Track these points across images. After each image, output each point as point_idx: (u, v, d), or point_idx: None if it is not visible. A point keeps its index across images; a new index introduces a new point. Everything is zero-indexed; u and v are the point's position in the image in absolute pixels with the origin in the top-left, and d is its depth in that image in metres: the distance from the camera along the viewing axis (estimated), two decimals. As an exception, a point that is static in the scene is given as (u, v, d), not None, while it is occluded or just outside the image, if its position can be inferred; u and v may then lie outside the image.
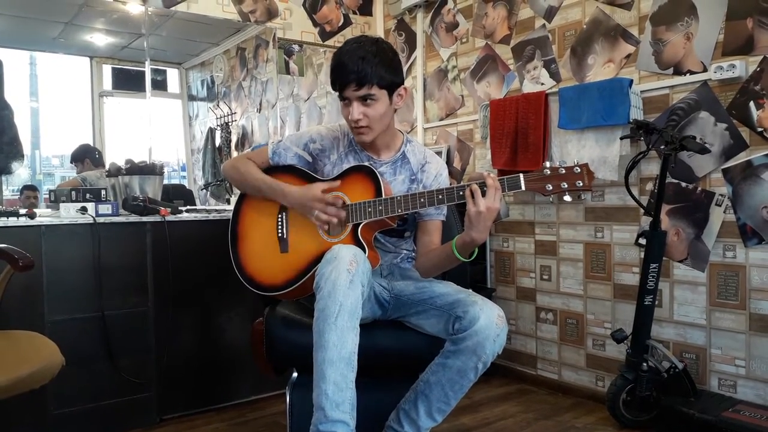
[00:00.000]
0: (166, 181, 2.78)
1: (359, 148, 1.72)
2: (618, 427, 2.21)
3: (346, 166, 1.67)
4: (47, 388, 1.52)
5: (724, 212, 2.10)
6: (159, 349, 2.30)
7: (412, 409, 1.55)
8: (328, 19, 3.36)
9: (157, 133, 2.97)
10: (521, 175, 1.43)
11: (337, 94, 1.61)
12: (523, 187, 1.43)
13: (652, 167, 2.30)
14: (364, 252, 1.50)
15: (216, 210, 2.70)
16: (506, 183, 1.44)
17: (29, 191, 2.88)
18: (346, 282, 1.37)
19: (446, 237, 1.71)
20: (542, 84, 2.68)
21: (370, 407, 1.49)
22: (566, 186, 1.42)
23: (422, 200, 1.51)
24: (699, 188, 2.17)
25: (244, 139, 3.41)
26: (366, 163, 1.65)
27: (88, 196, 2.25)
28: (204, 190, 3.35)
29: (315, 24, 3.32)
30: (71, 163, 3.00)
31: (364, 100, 1.56)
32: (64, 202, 2.20)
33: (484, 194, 1.42)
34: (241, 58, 3.39)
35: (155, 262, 2.29)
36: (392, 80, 1.58)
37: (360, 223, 1.57)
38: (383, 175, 1.66)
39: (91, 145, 3.04)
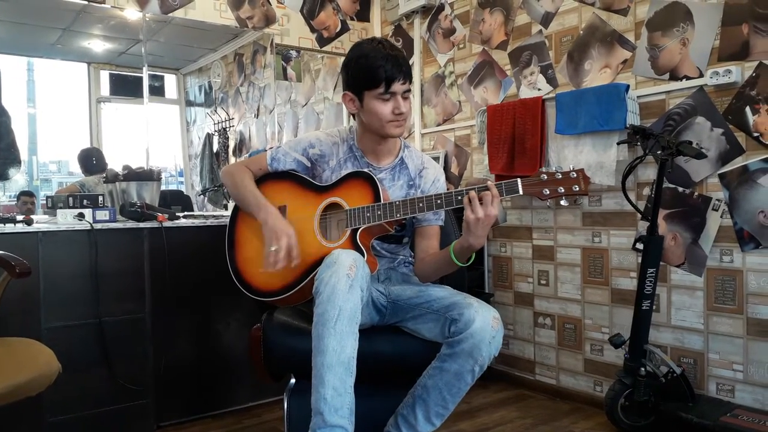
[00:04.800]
0: (163, 187, 2.78)
1: (359, 154, 1.72)
2: (616, 432, 2.21)
3: (345, 172, 1.68)
4: (44, 395, 1.50)
5: (721, 217, 2.11)
6: (156, 355, 2.30)
7: (410, 413, 1.55)
8: (326, 25, 3.37)
9: (155, 139, 2.97)
10: (519, 180, 1.43)
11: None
12: (521, 192, 1.43)
13: (648, 172, 2.31)
14: (363, 257, 1.50)
15: (213, 216, 2.69)
16: (504, 187, 1.44)
17: (26, 197, 2.88)
18: (346, 287, 1.37)
19: (444, 242, 1.71)
20: (539, 89, 2.69)
21: (368, 412, 1.49)
22: (563, 190, 1.42)
23: (420, 205, 1.51)
24: (696, 193, 2.18)
25: (241, 145, 3.41)
26: (365, 170, 1.65)
27: (85, 202, 2.24)
28: (201, 196, 3.35)
29: (312, 30, 3.32)
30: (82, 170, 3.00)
31: (404, 94, 1.59)
32: (61, 208, 2.20)
33: (482, 201, 1.43)
34: (239, 63, 3.40)
35: (152, 268, 2.28)
36: None
37: (358, 228, 1.57)
38: (383, 181, 1.67)
39: (93, 149, 3.04)
